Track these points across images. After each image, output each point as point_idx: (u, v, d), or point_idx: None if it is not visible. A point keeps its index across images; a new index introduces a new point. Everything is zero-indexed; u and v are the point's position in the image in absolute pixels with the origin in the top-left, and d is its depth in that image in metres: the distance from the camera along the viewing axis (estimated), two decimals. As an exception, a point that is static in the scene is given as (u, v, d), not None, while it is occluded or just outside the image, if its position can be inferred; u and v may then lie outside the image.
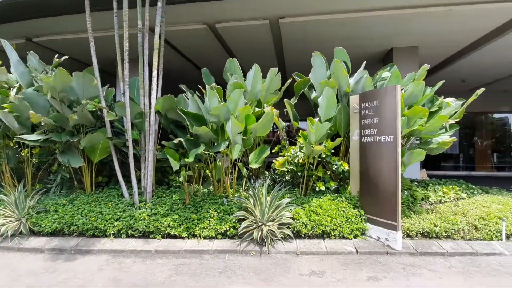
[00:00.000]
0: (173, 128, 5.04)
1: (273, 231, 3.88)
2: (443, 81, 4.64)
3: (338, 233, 4.01)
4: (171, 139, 4.60)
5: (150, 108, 4.65)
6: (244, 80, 5.27)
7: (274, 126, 5.84)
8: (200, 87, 4.86)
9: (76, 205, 4.63)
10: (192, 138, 4.54)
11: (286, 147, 5.28)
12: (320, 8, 6.05)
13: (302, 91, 5.40)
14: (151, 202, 4.64)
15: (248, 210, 4.22)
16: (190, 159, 3.93)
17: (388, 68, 4.90)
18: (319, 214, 4.16)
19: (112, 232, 4.21)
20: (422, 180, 6.77)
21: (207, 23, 6.68)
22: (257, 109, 4.98)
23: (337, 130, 4.97)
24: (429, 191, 5.52)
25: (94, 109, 4.97)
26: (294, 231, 4.08)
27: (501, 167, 15.33)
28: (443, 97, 5.04)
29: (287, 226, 4.10)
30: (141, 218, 4.24)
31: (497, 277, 3.10)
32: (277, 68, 4.74)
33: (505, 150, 15.58)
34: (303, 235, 4.05)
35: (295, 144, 5.18)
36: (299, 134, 4.52)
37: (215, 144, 4.44)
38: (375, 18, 6.32)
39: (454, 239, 4.01)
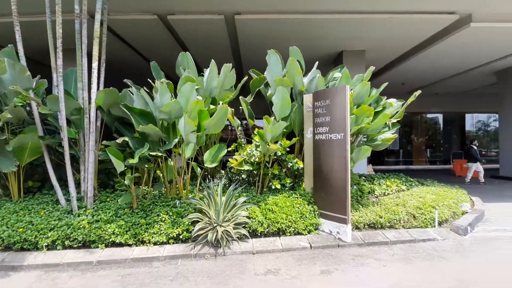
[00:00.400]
0: (118, 125, 4.61)
1: (229, 232, 3.78)
2: (387, 83, 5.01)
3: (293, 229, 4.06)
4: (115, 138, 4.20)
5: (90, 103, 4.18)
6: (199, 76, 5.06)
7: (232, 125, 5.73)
8: (150, 81, 4.52)
9: (0, 214, 3.97)
10: (139, 137, 4.20)
11: (243, 145, 5.21)
12: (276, 7, 6.10)
13: (258, 89, 5.37)
14: (93, 208, 4.19)
15: (203, 212, 4.06)
16: (135, 160, 3.62)
17: (339, 69, 5.14)
18: (275, 212, 4.17)
19: (45, 243, 3.69)
20: (369, 174, 7.28)
21: (158, 14, 6.27)
22: (212, 107, 4.82)
23: (292, 128, 5.05)
24: (375, 184, 5.94)
25: (22, 103, 4.30)
26: (250, 230, 4.02)
27: (433, 161, 17.39)
28: (386, 98, 5.46)
29: (243, 225, 4.03)
30: (81, 226, 3.79)
31: (431, 261, 3.42)
32: (231, 64, 4.63)
33: (436, 146, 17.70)
34: (259, 234, 4.02)
35: (252, 143, 5.14)
36: (255, 132, 4.48)
37: (166, 142, 4.16)
38: (327, 20, 6.60)
39: (396, 228, 4.36)
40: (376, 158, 16.39)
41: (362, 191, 5.24)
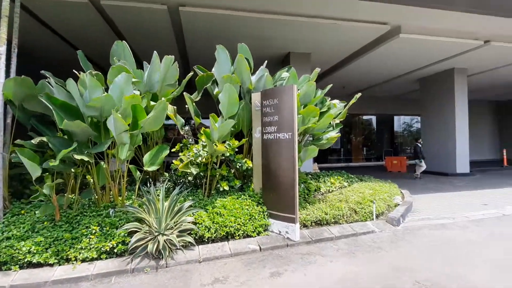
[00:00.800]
0: (35, 123, 3.88)
1: (172, 240, 3.45)
2: (331, 85, 5.23)
3: (242, 232, 3.92)
4: (31, 138, 3.51)
5: (-5, 95, 3.42)
6: (138, 69, 4.57)
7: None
8: (77, 72, 3.90)
9: None
10: (64, 136, 3.59)
11: (189, 146, 4.89)
12: (223, 3, 5.89)
13: (205, 86, 5.10)
14: (3, 222, 3.45)
15: (142, 220, 3.65)
16: (56, 162, 3.06)
17: (287, 69, 5.18)
18: (223, 215, 3.98)
19: None
20: (315, 172, 7.58)
21: (88, -4, 5.53)
22: (153, 104, 4.39)
23: (240, 128, 4.92)
24: (321, 182, 6.18)
25: None
26: (196, 237, 3.76)
27: (369, 158, 19.17)
28: (329, 99, 5.72)
29: (189, 232, 3.75)
30: (-17, 247, 3.07)
31: (371, 252, 3.63)
32: (173, 57, 4.28)
33: (371, 145, 19.55)
34: (206, 240, 3.78)
35: (199, 143, 4.85)
36: (201, 132, 4.22)
37: (97, 143, 3.64)
38: (275, 21, 6.63)
39: (340, 224, 4.55)
40: (320, 156, 17.38)
41: (309, 189, 5.38)
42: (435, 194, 7.24)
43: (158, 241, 3.36)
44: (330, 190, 5.83)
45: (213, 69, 4.84)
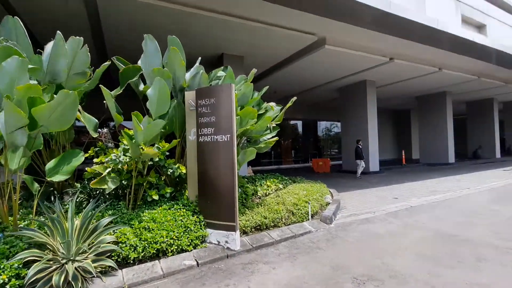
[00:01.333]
0: None
1: (86, 268, 2.78)
2: (268, 86, 5.21)
3: (176, 247, 3.46)
4: None
5: None
6: (38, 55, 3.65)
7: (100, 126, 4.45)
8: None
9: None
10: None
11: (107, 151, 4.14)
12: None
13: (129, 81, 4.43)
14: None
15: (44, 245, 2.85)
16: None
17: (223, 68, 4.93)
18: (153, 229, 3.45)
19: None
20: (250, 176, 7.50)
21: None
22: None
23: (172, 129, 4.44)
24: (257, 186, 6.10)
25: None
26: (119, 259, 3.14)
27: (297, 161, 20.43)
28: (265, 102, 5.72)
29: (109, 254, 3.10)
30: None
31: (311, 253, 3.65)
32: (81, 38, 3.55)
33: (299, 147, 20.90)
34: (132, 261, 3.19)
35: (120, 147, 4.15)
36: (123, 133, 3.59)
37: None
38: (207, 19, 6.34)
39: (279, 227, 4.51)
40: (253, 159, 17.63)
41: (247, 193, 5.22)
42: (356, 191, 8.03)
43: (67, 271, 2.65)
44: (267, 193, 5.80)
45: (139, 62, 4.24)
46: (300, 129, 21.12)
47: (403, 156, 16.30)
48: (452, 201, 6.50)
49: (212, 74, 4.79)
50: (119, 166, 3.88)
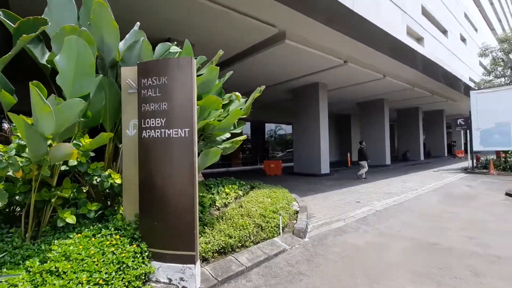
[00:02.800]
0: None
1: None
2: (232, 72, 4.27)
3: (102, 297, 2.27)
4: None
5: None
6: None
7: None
8: None
9: None
10: None
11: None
12: None
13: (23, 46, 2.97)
14: None
15: None
16: None
17: (176, 43, 3.80)
18: (65, 273, 2.20)
19: None
20: (202, 181, 6.41)
21: None
22: None
23: (100, 119, 3.16)
24: (214, 194, 5.09)
25: None
26: (-6, 334, 1.84)
27: (246, 163, 19.74)
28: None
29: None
30: None
31: (294, 283, 2.85)
32: None
33: (248, 149, 20.26)
34: (20, 333, 1.91)
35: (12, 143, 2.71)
36: (14, 120, 2.23)
37: None
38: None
39: (247, 247, 3.60)
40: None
41: (204, 205, 4.19)
42: (317, 195, 7.60)
43: None
44: (227, 203, 4.84)
45: (44, 16, 2.85)
46: (249, 130, 20.52)
47: (348, 159, 16.99)
48: (409, 204, 6.49)
49: (156, 51, 3.59)
50: (10, 173, 2.49)
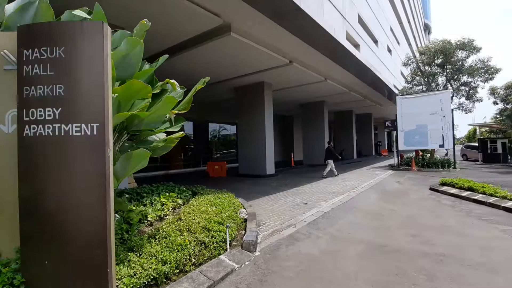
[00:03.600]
0: None
1: None
2: (167, 56, 3.50)
3: None
4: None
5: None
6: None
7: None
8: None
9: None
10: None
11: None
12: None
13: None
14: None
15: None
16: None
17: (87, 8, 2.84)
18: None
19: None
20: (132, 189, 5.42)
21: None
22: None
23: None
24: (146, 205, 4.24)
25: None
26: None
27: (188, 165, 18.54)
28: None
29: None
30: None
31: (244, 316, 2.30)
32: None
33: (189, 150, 19.07)
34: None
35: None
36: None
37: None
38: None
39: (187, 271, 2.92)
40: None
41: (130, 221, 3.35)
42: (264, 197, 7.24)
43: None
44: (163, 216, 4.04)
45: None
46: (191, 130, 19.33)
47: (292, 159, 17.32)
48: (353, 203, 6.59)
49: (62, 19, 2.64)
50: None
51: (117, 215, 3.46)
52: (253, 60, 9.43)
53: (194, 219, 3.89)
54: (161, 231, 3.38)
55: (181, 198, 5.01)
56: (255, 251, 3.60)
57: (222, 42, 7.65)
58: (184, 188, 5.84)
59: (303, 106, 19.36)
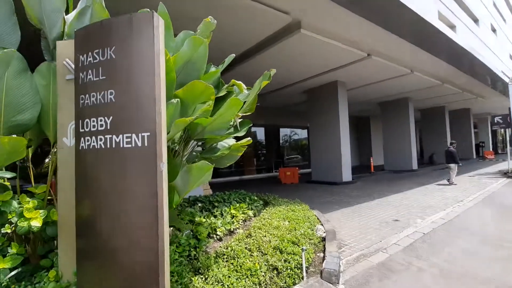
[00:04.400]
0: None
1: None
2: (233, 55, 3.19)
3: None
4: None
5: None
6: None
7: None
8: None
9: None
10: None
11: None
12: None
13: None
14: None
15: None
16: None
17: (148, 10, 2.74)
18: None
19: None
20: (206, 196, 5.35)
21: None
22: None
23: (44, 127, 2.16)
24: (216, 216, 4.02)
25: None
26: None
27: (260, 170, 18.56)
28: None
29: None
30: None
31: None
32: None
33: (262, 156, 19.10)
34: None
35: None
36: None
37: None
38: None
39: (257, 304, 2.48)
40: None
41: (199, 236, 3.11)
42: (343, 209, 6.36)
43: None
44: (232, 230, 3.73)
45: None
46: (263, 135, 19.37)
47: (371, 164, 15.51)
48: (461, 222, 5.14)
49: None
50: None
51: (186, 229, 3.29)
52: (325, 57, 8.65)
53: (265, 236, 3.45)
54: (229, 249, 3.04)
55: (252, 209, 4.68)
56: (337, 283, 2.92)
57: (291, 41, 7.18)
58: (255, 198, 5.51)
59: (382, 105, 17.24)
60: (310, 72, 10.11)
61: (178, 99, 2.16)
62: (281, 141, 19.90)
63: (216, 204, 4.64)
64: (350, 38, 7.74)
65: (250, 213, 4.41)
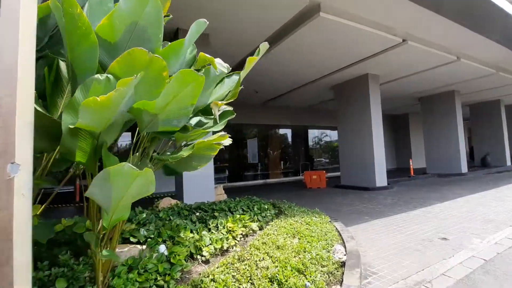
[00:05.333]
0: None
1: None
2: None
3: None
4: None
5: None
6: None
7: None
8: None
9: None
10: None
11: None
12: None
13: None
14: None
15: None
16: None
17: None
18: None
19: None
20: (211, 203, 4.70)
21: None
22: None
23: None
24: (210, 228, 3.34)
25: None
26: None
27: (286, 173, 17.64)
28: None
29: None
30: None
31: None
32: None
33: (288, 159, 18.17)
34: None
35: None
36: None
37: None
38: None
39: None
40: (233, 172, 14.83)
41: (172, 260, 2.44)
42: (374, 221, 5.31)
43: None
44: (225, 248, 3.01)
45: None
46: (289, 137, 18.45)
47: (411, 166, 13.82)
48: (540, 244, 3.88)
49: None
50: None
51: (163, 246, 2.65)
52: (351, 45, 7.62)
53: (262, 260, 2.69)
54: (209, 278, 2.32)
55: (258, 221, 3.94)
56: (358, 336, 2.05)
57: (310, 29, 6.33)
58: (267, 205, 4.75)
59: (422, 100, 15.42)
60: (335, 64, 9.11)
61: (111, 75, 1.52)
62: (310, 143, 18.80)
63: (216, 214, 3.97)
64: (379, 21, 6.67)
65: (254, 226, 3.66)
